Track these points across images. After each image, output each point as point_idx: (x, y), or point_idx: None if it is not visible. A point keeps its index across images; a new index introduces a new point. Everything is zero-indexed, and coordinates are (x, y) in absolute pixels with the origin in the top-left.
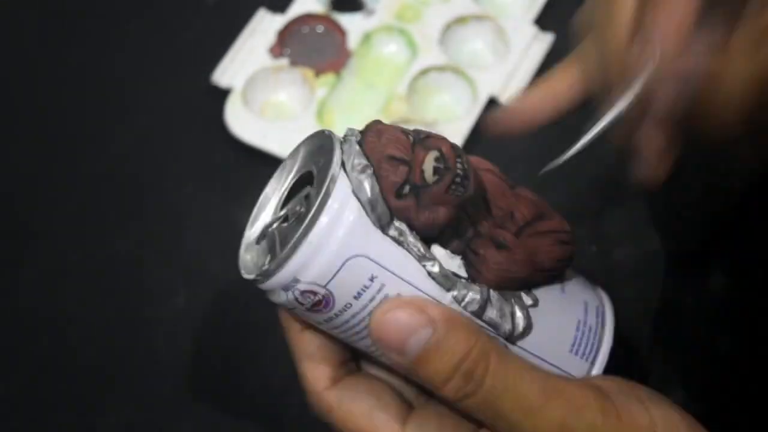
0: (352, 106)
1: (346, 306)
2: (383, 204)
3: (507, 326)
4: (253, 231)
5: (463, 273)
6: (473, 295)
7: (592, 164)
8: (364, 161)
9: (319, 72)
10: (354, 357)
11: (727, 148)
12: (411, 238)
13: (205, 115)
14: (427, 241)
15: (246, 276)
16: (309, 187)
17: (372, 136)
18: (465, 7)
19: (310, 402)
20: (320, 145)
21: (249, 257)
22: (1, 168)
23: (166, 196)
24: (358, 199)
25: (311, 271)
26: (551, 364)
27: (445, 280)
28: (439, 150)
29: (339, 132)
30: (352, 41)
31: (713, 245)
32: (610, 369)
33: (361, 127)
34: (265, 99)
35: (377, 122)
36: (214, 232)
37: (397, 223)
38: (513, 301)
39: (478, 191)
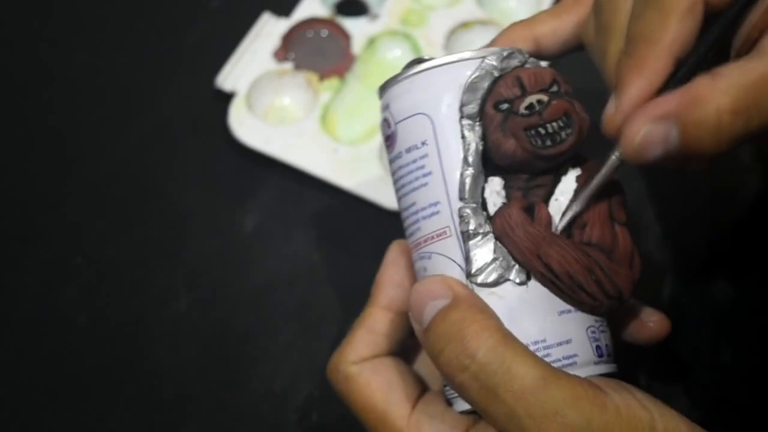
0: (356, 110)
1: (399, 154)
2: (479, 102)
3: (472, 267)
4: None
5: (490, 210)
6: (473, 221)
7: None
8: (501, 67)
9: (323, 76)
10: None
11: (734, 154)
12: (474, 142)
13: (209, 119)
14: (494, 169)
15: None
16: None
17: (534, 64)
18: (470, 12)
19: (332, 369)
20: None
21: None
22: (4, 170)
23: (169, 200)
24: (467, 82)
25: (395, 104)
26: None
27: (464, 191)
28: (557, 105)
29: None
30: (357, 45)
31: (717, 253)
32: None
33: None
34: (268, 103)
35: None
36: (217, 236)
37: (476, 125)
38: (500, 261)
39: (567, 166)
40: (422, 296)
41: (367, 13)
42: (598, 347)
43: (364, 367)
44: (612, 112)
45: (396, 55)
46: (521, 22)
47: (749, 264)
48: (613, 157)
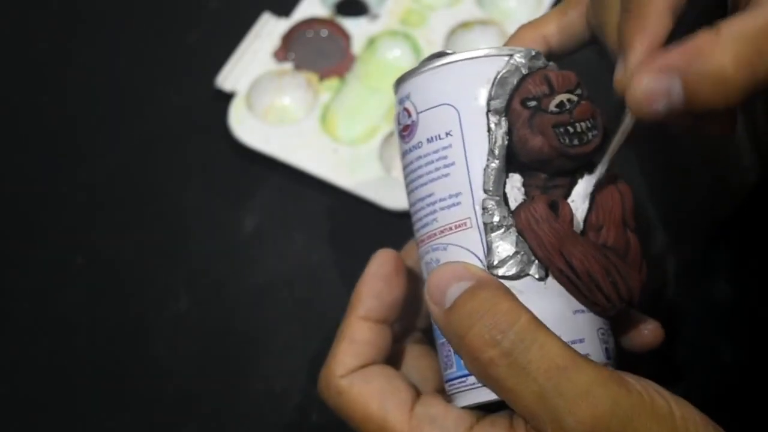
0: (356, 110)
1: (418, 144)
2: (506, 98)
3: (494, 258)
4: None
5: (511, 205)
6: (497, 214)
7: None
8: (528, 65)
9: (323, 76)
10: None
11: (734, 146)
12: (500, 136)
13: (209, 119)
14: (514, 167)
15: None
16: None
17: (558, 69)
18: (470, 12)
19: (322, 386)
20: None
21: None
22: (5, 172)
23: (168, 200)
24: (498, 77)
25: (418, 95)
26: None
27: (489, 183)
28: (585, 106)
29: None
30: (357, 46)
31: (717, 253)
32: None
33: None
34: (268, 103)
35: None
36: (217, 236)
37: (503, 120)
38: (521, 255)
39: (583, 171)
40: (445, 277)
41: (367, 13)
42: (606, 349)
43: (354, 378)
44: (621, 74)
45: (396, 55)
46: (529, 23)
47: (749, 264)
48: (627, 118)
